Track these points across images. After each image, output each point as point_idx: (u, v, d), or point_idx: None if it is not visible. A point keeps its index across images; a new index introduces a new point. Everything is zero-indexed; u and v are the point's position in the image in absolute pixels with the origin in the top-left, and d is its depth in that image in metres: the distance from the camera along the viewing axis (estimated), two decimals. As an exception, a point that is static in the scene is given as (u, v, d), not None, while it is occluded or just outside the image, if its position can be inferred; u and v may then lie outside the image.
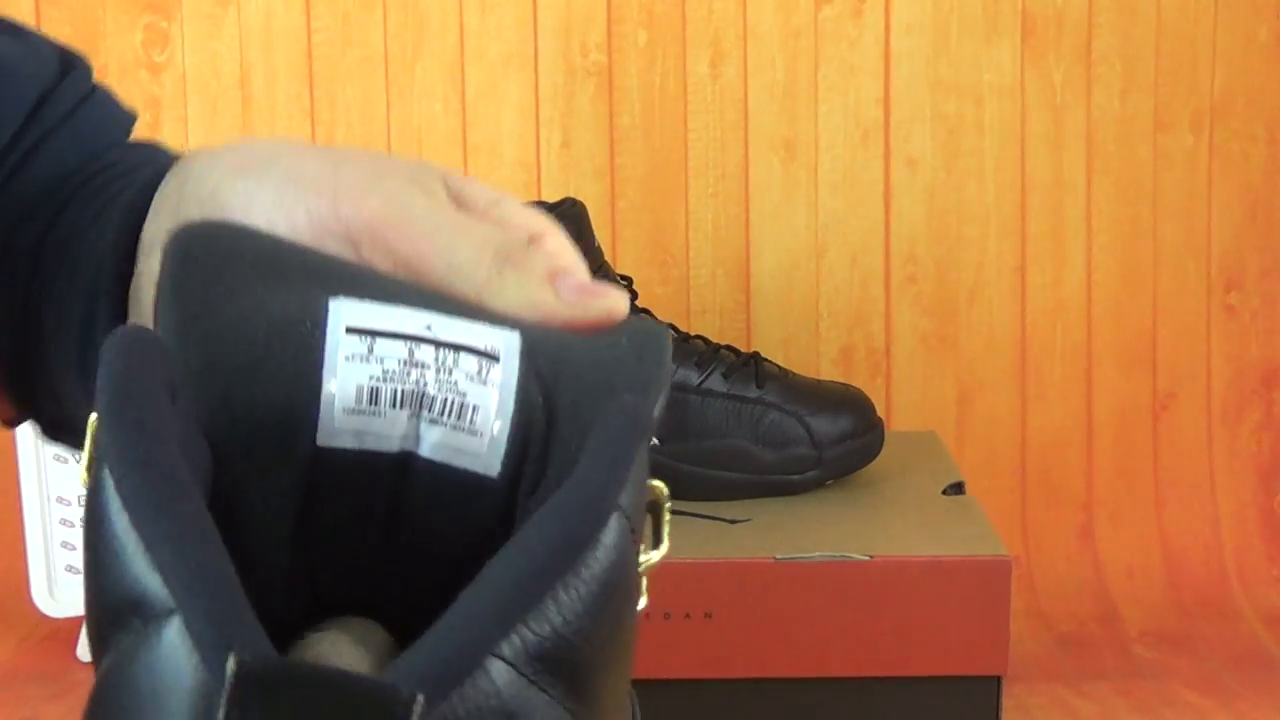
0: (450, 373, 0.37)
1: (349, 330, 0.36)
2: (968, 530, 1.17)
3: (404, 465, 0.37)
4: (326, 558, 0.38)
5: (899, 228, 1.59)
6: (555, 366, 0.38)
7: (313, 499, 0.37)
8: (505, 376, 0.37)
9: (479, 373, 0.37)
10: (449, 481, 0.37)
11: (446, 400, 0.37)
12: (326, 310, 0.37)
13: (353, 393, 0.36)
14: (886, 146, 1.59)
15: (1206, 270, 1.60)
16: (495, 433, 0.37)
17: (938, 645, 1.11)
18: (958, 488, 1.28)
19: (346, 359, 0.36)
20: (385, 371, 0.36)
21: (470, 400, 0.37)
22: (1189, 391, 1.60)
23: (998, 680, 1.12)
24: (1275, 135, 1.59)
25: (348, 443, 0.37)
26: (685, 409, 1.27)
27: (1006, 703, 1.13)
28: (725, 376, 1.29)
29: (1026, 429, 1.60)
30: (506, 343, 0.37)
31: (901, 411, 1.59)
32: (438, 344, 0.37)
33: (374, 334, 0.36)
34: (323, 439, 0.36)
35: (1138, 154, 1.59)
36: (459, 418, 0.37)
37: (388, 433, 0.37)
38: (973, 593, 1.10)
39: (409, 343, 0.36)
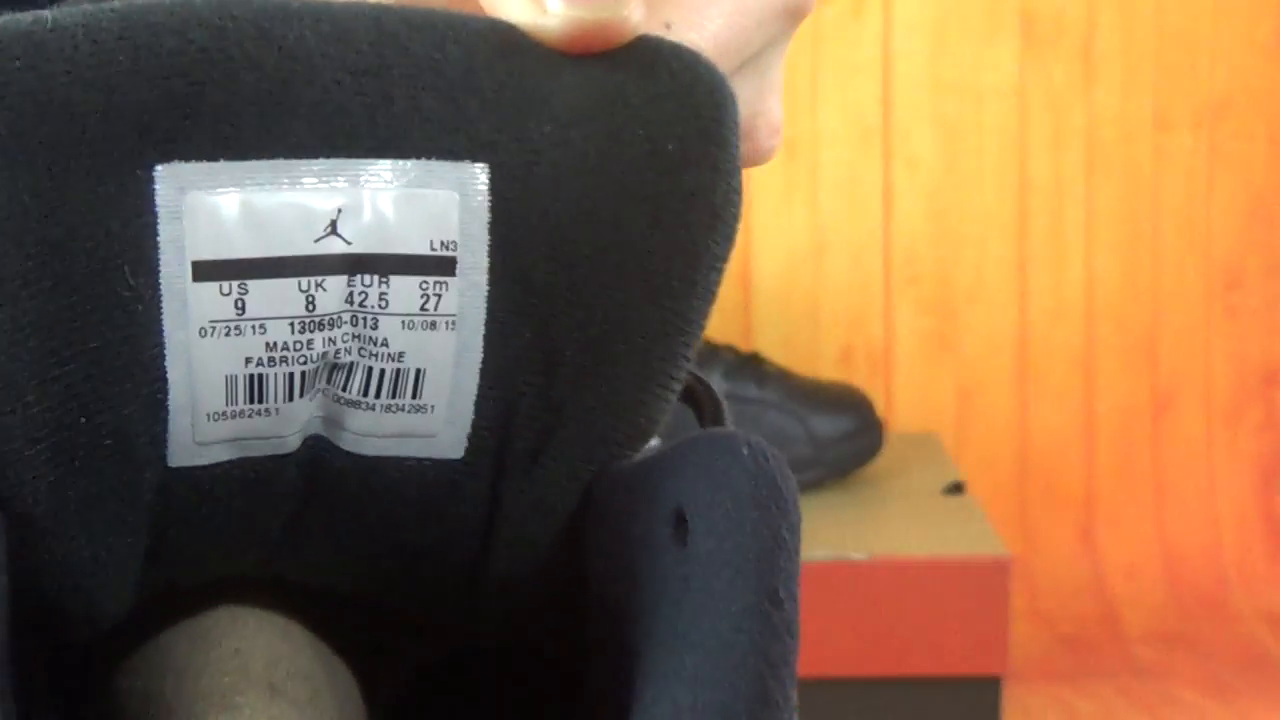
0: (375, 324, 0.23)
1: (200, 273, 0.22)
2: (968, 530, 1.17)
3: (311, 462, 0.25)
4: (193, 575, 0.26)
5: (899, 228, 1.59)
6: (555, 248, 0.23)
7: (168, 526, 0.24)
8: (466, 300, 0.23)
9: (423, 306, 0.23)
10: (385, 474, 0.25)
11: (371, 371, 0.23)
12: (155, 220, 0.21)
13: (220, 388, 0.23)
14: (886, 146, 1.58)
15: (1206, 270, 1.60)
16: (454, 402, 0.24)
17: (938, 645, 1.10)
18: (958, 488, 1.28)
19: (203, 333, 0.22)
20: (270, 346, 0.22)
21: (410, 363, 0.23)
22: (1189, 391, 1.60)
23: (998, 680, 1.11)
24: (1275, 135, 1.59)
25: (218, 456, 0.24)
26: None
27: (1006, 703, 1.13)
28: (725, 376, 1.29)
29: (1026, 429, 1.60)
30: (464, 220, 0.22)
31: (901, 411, 1.59)
32: (351, 267, 0.22)
33: (242, 273, 0.22)
34: (177, 458, 0.23)
35: (1138, 154, 1.59)
36: (394, 394, 0.24)
37: (280, 432, 0.24)
38: (972, 593, 1.10)
39: (303, 282, 0.22)
